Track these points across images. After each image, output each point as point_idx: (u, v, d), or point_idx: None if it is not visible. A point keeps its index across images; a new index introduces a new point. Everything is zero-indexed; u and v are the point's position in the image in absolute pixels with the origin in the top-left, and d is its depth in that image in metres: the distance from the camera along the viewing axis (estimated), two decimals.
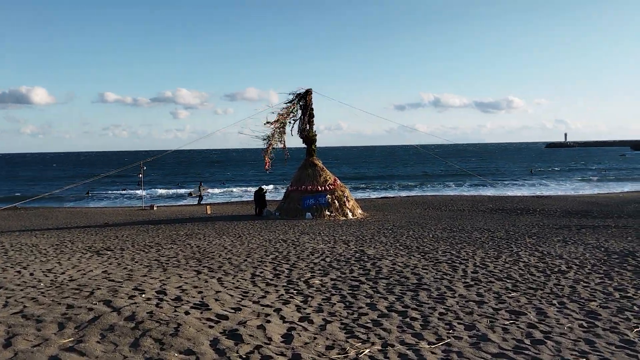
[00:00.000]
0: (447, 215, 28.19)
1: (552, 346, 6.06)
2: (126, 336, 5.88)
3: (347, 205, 27.97)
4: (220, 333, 6.15)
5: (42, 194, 41.37)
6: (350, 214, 27.49)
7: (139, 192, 49.87)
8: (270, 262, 12.16)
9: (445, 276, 10.39)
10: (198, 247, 15.41)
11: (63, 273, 10.48)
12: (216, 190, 61.38)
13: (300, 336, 6.20)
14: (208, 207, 36.85)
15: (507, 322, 7.01)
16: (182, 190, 61.86)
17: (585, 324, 7.02)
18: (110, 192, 62.23)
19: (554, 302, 8.26)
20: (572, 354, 5.83)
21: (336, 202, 27.71)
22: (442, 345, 6.06)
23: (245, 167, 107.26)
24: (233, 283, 9.58)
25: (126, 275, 10.12)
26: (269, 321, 6.75)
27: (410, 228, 20.84)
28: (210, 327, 6.35)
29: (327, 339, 6.17)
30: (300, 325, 6.68)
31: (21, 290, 8.53)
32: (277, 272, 10.93)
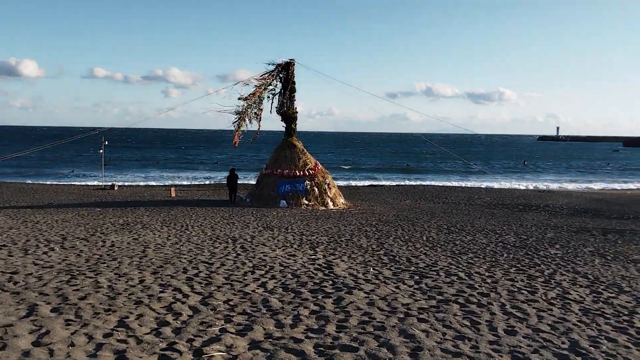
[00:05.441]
0: (441, 208, 24.46)
1: None
2: None
3: (328, 193, 24.16)
4: None
5: None
6: (331, 204, 23.78)
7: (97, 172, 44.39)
8: (173, 290, 7.69)
9: (461, 344, 5.84)
10: (112, 245, 11.41)
11: None
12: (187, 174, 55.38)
13: None
14: (172, 189, 32.72)
15: None
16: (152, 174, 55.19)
17: None
18: (94, 172, 53.51)
19: None
20: None
21: (316, 189, 23.94)
22: None
23: (227, 149, 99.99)
24: (41, 353, 5.10)
25: None
26: None
27: (398, 225, 17.03)
28: None
29: None
30: None
31: None
32: (168, 314, 6.51)
